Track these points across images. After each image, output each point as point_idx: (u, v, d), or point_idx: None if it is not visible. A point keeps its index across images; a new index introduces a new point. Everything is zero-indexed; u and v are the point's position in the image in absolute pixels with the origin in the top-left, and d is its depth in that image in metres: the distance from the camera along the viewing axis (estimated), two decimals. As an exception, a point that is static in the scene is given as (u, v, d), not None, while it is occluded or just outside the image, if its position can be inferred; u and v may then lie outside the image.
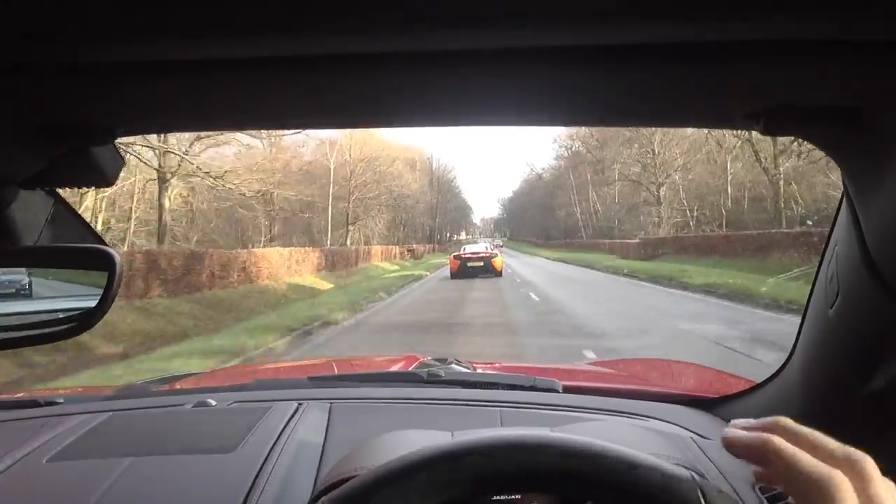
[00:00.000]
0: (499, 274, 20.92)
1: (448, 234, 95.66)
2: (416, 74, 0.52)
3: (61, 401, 1.33)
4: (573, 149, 57.48)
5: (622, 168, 42.89)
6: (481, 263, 21.20)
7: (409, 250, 47.51)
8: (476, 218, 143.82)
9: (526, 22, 0.44)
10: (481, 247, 24.96)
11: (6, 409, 1.31)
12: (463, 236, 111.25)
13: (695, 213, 34.52)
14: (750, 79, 0.53)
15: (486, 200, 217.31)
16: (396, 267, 34.90)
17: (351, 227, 40.03)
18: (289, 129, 0.74)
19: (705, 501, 0.43)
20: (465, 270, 21.01)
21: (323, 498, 0.46)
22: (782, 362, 0.96)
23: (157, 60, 0.47)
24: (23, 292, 0.77)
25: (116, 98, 0.55)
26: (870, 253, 0.64)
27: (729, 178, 31.73)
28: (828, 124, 0.57)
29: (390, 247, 43.53)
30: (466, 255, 22.31)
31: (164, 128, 0.69)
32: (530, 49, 0.48)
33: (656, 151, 36.27)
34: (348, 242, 37.66)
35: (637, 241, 34.08)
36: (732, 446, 0.46)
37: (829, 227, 0.78)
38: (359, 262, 31.35)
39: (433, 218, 68.53)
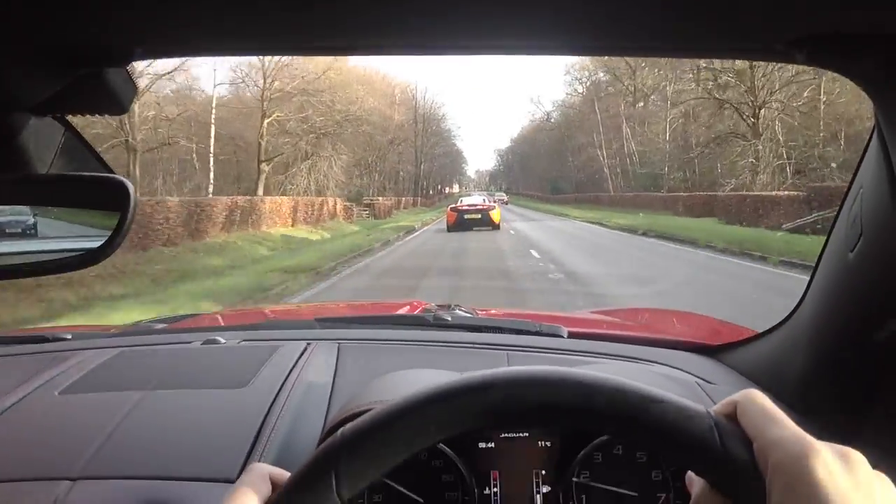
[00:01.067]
0: (497, 227, 20.92)
1: (439, 186, 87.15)
2: None
3: (69, 337, 1.34)
4: (593, 80, 48.99)
5: (675, 94, 32.90)
6: (479, 216, 21.20)
7: (366, 205, 34.22)
8: (470, 170, 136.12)
9: None
10: (479, 199, 25.08)
11: (15, 343, 1.32)
12: (456, 189, 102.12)
13: (792, 160, 25.13)
14: (793, 4, 0.49)
15: (481, 152, 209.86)
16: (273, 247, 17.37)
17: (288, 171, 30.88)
18: (310, 54, 0.71)
19: (719, 436, 0.43)
20: (462, 223, 21.01)
21: (344, 427, 0.46)
22: (790, 310, 0.96)
23: None
24: (28, 232, 0.77)
25: (133, 17, 0.52)
26: None
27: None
28: (869, 54, 0.55)
29: (330, 201, 27.87)
30: (464, 208, 22.27)
31: (182, 51, 0.66)
32: None
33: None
34: (260, 192, 27.41)
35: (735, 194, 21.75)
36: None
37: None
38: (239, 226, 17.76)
39: (417, 164, 57.41)
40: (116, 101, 0.62)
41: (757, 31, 0.57)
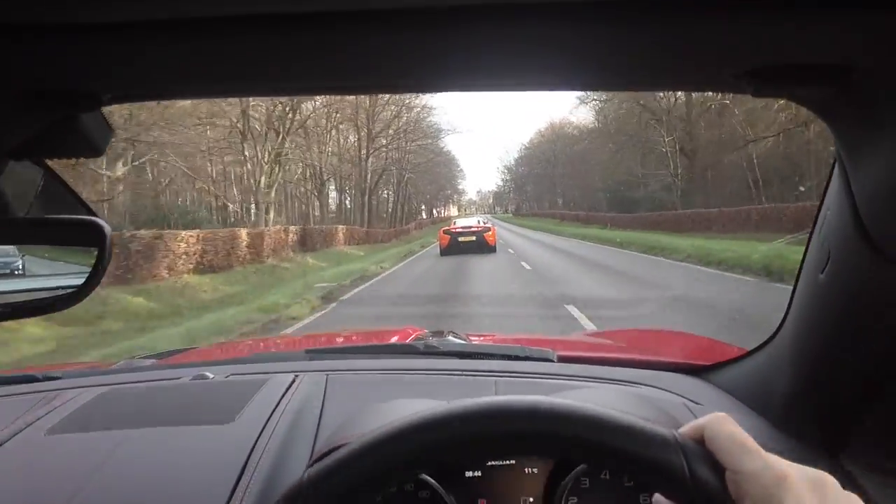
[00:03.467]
0: (493, 249, 20.39)
1: (429, 209, 79.36)
2: (415, 32, 0.50)
3: (59, 375, 1.34)
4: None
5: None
6: (473, 238, 20.53)
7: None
8: (470, 190, 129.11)
9: None
10: (473, 221, 24.41)
11: (4, 384, 1.32)
12: (454, 212, 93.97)
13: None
14: (739, 35, 0.51)
15: (483, 171, 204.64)
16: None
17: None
18: (285, 94, 0.71)
19: (687, 461, 0.44)
20: (455, 246, 20.39)
21: (309, 468, 0.46)
22: (775, 328, 0.97)
23: (144, 20, 0.46)
24: (17, 273, 0.78)
25: (101, 62, 0.53)
26: (860, 216, 0.64)
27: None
28: (818, 84, 0.56)
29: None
30: (457, 230, 21.53)
31: (152, 95, 0.67)
32: (506, 5, 0.46)
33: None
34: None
35: None
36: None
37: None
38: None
39: (358, 161, 39.82)
40: (92, 143, 0.63)
41: (704, 67, 0.58)
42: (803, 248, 0.84)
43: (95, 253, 0.71)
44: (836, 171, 0.70)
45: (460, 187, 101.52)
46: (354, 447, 0.46)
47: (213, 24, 0.47)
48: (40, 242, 0.78)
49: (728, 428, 0.45)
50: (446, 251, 20.54)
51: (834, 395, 0.80)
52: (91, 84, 0.57)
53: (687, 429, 0.48)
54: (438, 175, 72.51)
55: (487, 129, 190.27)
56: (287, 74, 0.59)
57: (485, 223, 22.93)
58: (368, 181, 41.89)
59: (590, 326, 6.92)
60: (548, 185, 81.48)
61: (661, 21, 0.48)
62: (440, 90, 0.63)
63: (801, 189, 21.76)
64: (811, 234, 0.81)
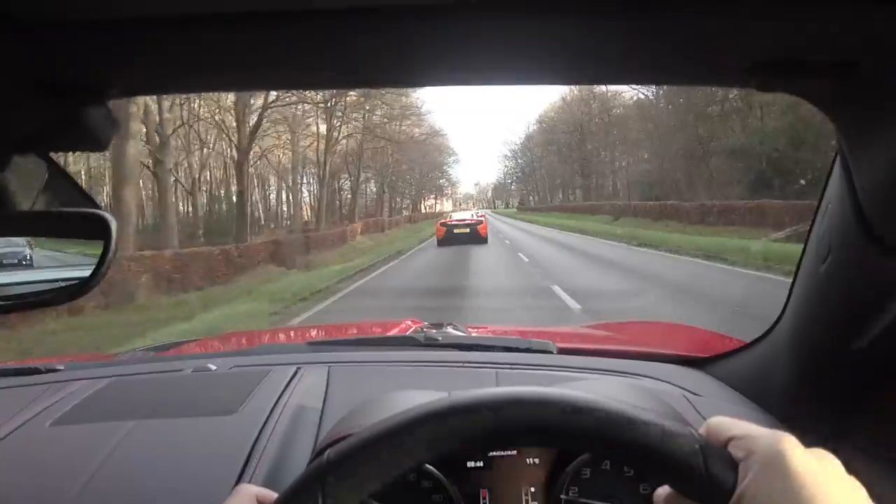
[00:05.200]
0: (484, 240, 21.84)
1: (412, 202, 66.37)
2: (418, 28, 0.50)
3: (61, 367, 1.34)
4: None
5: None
6: (467, 230, 22.31)
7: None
8: (468, 184, 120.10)
9: None
10: (467, 215, 26.25)
11: (7, 376, 1.32)
12: (447, 207, 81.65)
13: None
14: (744, 32, 0.52)
15: (480, 164, 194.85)
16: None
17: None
18: (289, 88, 0.71)
19: (704, 458, 0.44)
20: (451, 237, 22.03)
21: (330, 449, 0.47)
22: (774, 320, 0.97)
23: (151, 16, 0.46)
24: (24, 262, 0.78)
25: (108, 56, 0.53)
26: (862, 209, 0.65)
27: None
28: (824, 79, 0.57)
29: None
30: (453, 223, 23.39)
31: (158, 89, 0.68)
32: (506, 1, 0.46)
33: None
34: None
35: None
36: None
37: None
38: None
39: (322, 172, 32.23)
40: (97, 138, 0.63)
41: (710, 62, 0.59)
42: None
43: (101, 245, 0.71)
44: (837, 164, 0.71)
45: (453, 177, 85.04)
46: (379, 428, 0.47)
47: (218, 20, 0.47)
48: (46, 235, 0.79)
49: (730, 419, 0.47)
50: (443, 241, 22.15)
51: (834, 386, 0.81)
52: (99, 77, 0.57)
53: (703, 429, 0.48)
54: (422, 160, 56.74)
55: (487, 119, 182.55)
56: (288, 69, 0.59)
57: (478, 217, 24.91)
58: (328, 168, 33.15)
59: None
60: (569, 167, 63.46)
61: (666, 16, 0.48)
62: (443, 84, 0.63)
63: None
64: (811, 226, 0.81)
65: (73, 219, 0.72)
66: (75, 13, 0.46)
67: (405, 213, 61.35)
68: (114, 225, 0.70)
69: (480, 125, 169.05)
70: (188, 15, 0.47)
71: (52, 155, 0.68)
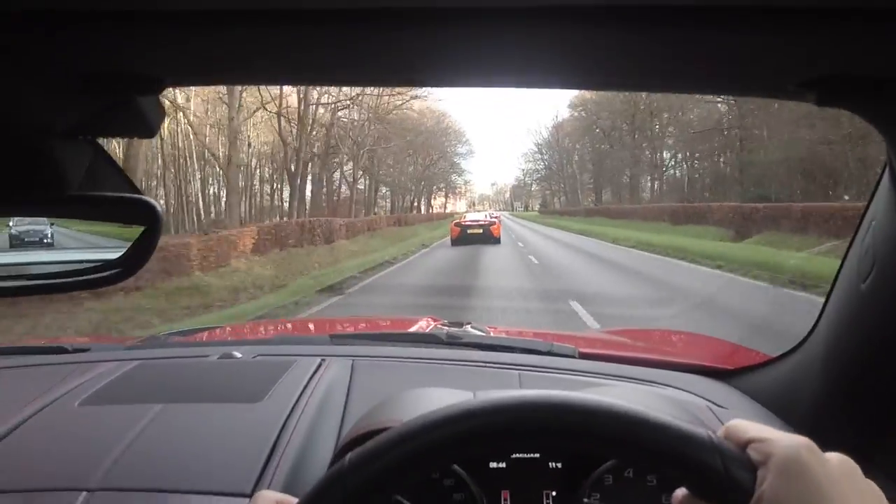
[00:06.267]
0: (497, 240, 21.89)
1: (409, 200, 54.82)
2: (437, 31, 0.51)
3: (88, 348, 1.36)
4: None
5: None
6: (480, 231, 22.30)
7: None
8: (485, 183, 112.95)
9: None
10: (481, 216, 26.21)
11: (35, 353, 1.34)
12: (461, 207, 71.19)
13: None
14: (805, 47, 0.51)
15: (499, 163, 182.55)
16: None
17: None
18: (334, 84, 0.73)
19: (723, 460, 0.44)
20: (465, 237, 22.03)
21: (351, 452, 0.47)
22: (804, 336, 0.95)
23: (207, 10, 0.47)
24: (45, 241, 0.78)
25: (164, 48, 0.54)
26: None
27: None
28: (882, 96, 0.56)
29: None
30: (466, 223, 23.37)
31: (210, 80, 0.69)
32: (558, 7, 0.46)
33: None
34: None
35: None
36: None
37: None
38: None
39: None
40: (146, 125, 0.64)
41: (768, 73, 0.58)
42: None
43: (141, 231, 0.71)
44: (885, 181, 0.69)
45: (464, 171, 71.97)
46: (397, 433, 0.47)
47: (259, 16, 0.48)
48: (92, 219, 0.79)
49: (749, 422, 0.47)
50: (457, 241, 22.11)
51: (865, 405, 0.79)
52: (152, 68, 0.58)
53: (721, 431, 0.48)
54: (418, 142, 46.44)
55: (505, 118, 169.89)
56: (333, 65, 0.61)
57: (492, 217, 25.05)
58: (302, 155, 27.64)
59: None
60: (613, 160, 52.72)
61: (728, 29, 0.48)
62: (457, 85, 0.64)
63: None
64: (851, 241, 0.79)
65: (121, 204, 0.72)
66: (123, 4, 0.47)
67: (384, 212, 45.70)
68: (161, 210, 0.70)
69: (498, 124, 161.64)
70: (239, 11, 0.48)
71: (100, 141, 0.69)
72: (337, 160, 35.56)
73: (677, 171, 44.68)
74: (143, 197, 0.70)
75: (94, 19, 0.47)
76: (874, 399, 0.76)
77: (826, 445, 0.64)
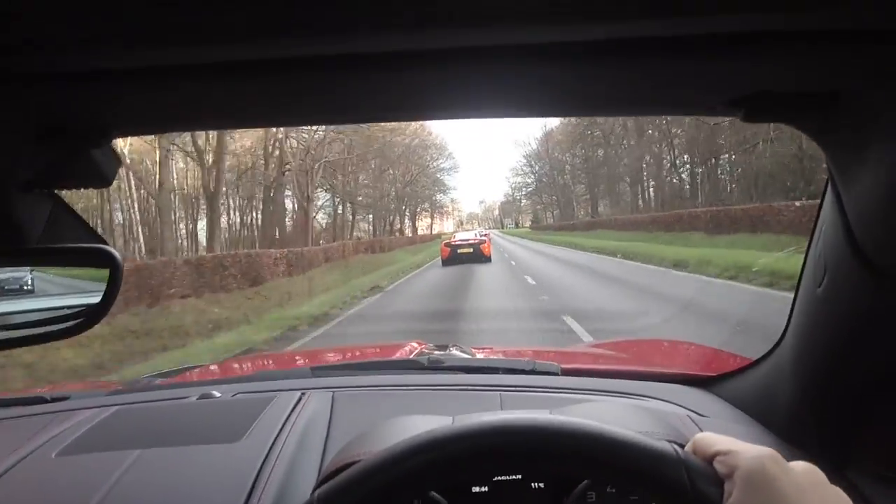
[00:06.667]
0: (488, 259, 21.55)
1: (385, 222, 48.60)
2: (415, 71, 0.53)
3: (68, 396, 1.34)
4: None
5: None
6: (471, 250, 21.98)
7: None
8: (473, 202, 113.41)
9: (514, 21, 0.45)
10: (470, 234, 25.80)
11: (14, 405, 1.32)
12: (448, 228, 67.95)
13: None
14: (728, 69, 0.54)
15: (485, 184, 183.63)
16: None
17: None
18: (283, 126, 0.75)
19: (689, 476, 0.44)
20: (455, 257, 21.68)
21: (319, 489, 0.47)
22: (776, 340, 0.97)
23: (155, 65, 0.49)
24: (25, 288, 0.79)
25: (113, 102, 0.56)
26: (853, 233, 0.65)
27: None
28: (807, 109, 0.59)
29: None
30: (457, 243, 23.03)
31: (159, 128, 0.72)
32: (520, 46, 0.49)
33: None
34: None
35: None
36: None
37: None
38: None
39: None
40: (101, 175, 0.65)
41: (697, 96, 0.62)
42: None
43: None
44: (828, 189, 0.72)
45: (450, 190, 67.01)
46: (364, 466, 0.47)
47: (216, 67, 0.50)
48: (57, 266, 0.80)
49: (716, 434, 0.48)
50: (447, 261, 21.64)
51: (835, 407, 0.80)
52: (101, 121, 0.60)
53: (689, 446, 0.49)
54: (403, 157, 45.30)
55: (491, 138, 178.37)
56: (285, 110, 0.63)
57: (482, 235, 24.54)
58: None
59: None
60: (610, 167, 48.23)
61: (654, 56, 0.51)
62: (444, 118, 0.67)
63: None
64: (808, 248, 0.82)
65: (80, 254, 0.73)
66: (72, 64, 0.48)
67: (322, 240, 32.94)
68: (119, 257, 0.71)
69: (485, 140, 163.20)
70: (188, 65, 0.49)
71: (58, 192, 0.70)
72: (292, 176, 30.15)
73: (684, 175, 39.50)
74: (102, 246, 0.71)
75: (43, 78, 0.49)
76: (842, 400, 0.78)
77: (802, 448, 0.67)
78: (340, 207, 40.98)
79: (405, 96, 0.59)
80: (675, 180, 40.55)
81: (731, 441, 0.46)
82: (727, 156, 31.95)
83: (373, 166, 41.41)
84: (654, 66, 0.53)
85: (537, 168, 68.49)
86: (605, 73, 0.55)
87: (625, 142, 45.44)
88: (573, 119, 48.91)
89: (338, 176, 35.58)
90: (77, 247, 0.72)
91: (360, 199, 41.43)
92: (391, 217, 51.39)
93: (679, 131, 36.05)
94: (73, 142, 0.60)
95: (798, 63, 0.52)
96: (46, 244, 0.69)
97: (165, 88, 0.53)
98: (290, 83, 0.54)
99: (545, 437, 0.46)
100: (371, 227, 47.52)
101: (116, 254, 0.70)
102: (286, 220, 35.15)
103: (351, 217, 43.06)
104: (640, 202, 44.08)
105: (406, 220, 58.63)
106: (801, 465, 0.44)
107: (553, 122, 57.27)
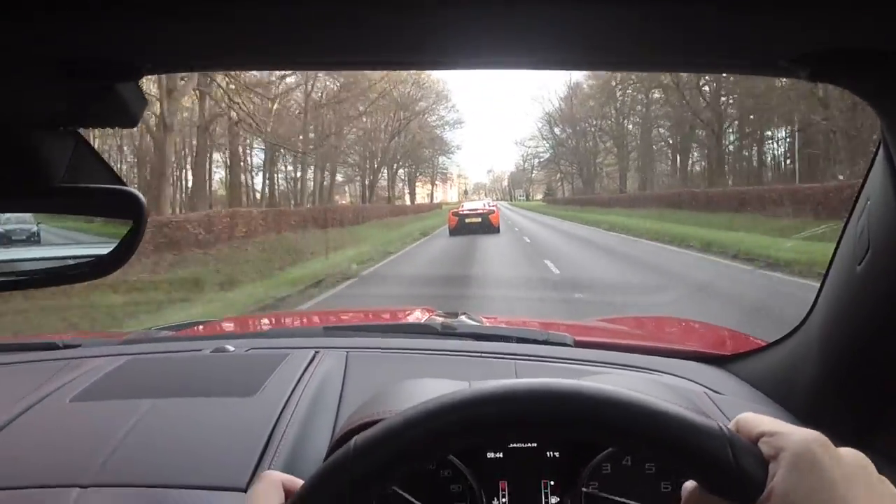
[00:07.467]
0: (496, 230, 21.20)
1: (369, 183, 40.65)
2: (435, 13, 0.49)
3: (79, 343, 1.35)
4: None
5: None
6: (479, 220, 21.55)
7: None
8: (480, 172, 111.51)
9: None
10: (479, 204, 25.38)
11: (27, 350, 1.33)
12: (453, 197, 60.13)
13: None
14: (797, 21, 0.49)
15: (493, 152, 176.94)
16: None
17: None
18: (317, 69, 0.71)
19: (733, 453, 0.43)
20: (463, 227, 21.26)
21: (357, 436, 0.46)
22: (800, 320, 0.94)
23: None
24: (32, 239, 0.78)
25: (142, 34, 0.53)
26: None
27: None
28: (877, 70, 0.54)
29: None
30: (464, 212, 22.50)
31: (187, 66, 0.68)
32: None
33: None
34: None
35: None
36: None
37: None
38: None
39: None
40: (127, 114, 0.63)
41: (760, 49, 0.56)
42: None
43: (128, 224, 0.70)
44: (879, 160, 0.68)
45: (455, 152, 58.16)
46: (403, 417, 0.46)
47: (249, 2, 0.47)
48: (75, 212, 0.78)
49: (760, 415, 0.46)
50: (455, 231, 21.29)
51: (862, 388, 0.78)
52: (130, 55, 0.56)
53: (732, 424, 0.47)
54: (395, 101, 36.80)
55: (502, 105, 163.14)
56: (315, 49, 0.59)
57: (490, 205, 24.02)
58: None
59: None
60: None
61: (718, 4, 0.47)
62: (459, 67, 0.62)
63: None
64: (846, 223, 0.79)
65: (105, 195, 0.71)
66: None
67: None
68: (144, 202, 0.69)
69: (495, 106, 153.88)
70: None
71: (82, 132, 0.68)
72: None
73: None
74: (128, 188, 0.69)
75: (71, 6, 0.46)
76: (872, 382, 0.76)
77: (823, 429, 0.64)
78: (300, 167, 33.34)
79: (422, 39, 0.55)
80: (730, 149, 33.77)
81: (777, 423, 0.44)
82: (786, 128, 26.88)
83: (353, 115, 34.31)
84: (710, 14, 0.48)
85: (558, 129, 58.74)
86: (644, 17, 0.50)
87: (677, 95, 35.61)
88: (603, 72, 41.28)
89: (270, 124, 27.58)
90: (101, 187, 0.69)
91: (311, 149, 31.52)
92: (368, 179, 43.61)
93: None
94: (99, 76, 0.57)
95: (873, 16, 0.48)
96: (69, 185, 0.67)
97: (194, 22, 0.50)
98: (320, 18, 0.50)
99: (594, 404, 0.45)
100: (355, 193, 41.04)
101: (142, 198, 0.69)
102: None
103: (321, 179, 35.34)
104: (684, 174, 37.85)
105: (400, 185, 51.18)
106: (849, 452, 0.42)
107: (578, 76, 49.05)
